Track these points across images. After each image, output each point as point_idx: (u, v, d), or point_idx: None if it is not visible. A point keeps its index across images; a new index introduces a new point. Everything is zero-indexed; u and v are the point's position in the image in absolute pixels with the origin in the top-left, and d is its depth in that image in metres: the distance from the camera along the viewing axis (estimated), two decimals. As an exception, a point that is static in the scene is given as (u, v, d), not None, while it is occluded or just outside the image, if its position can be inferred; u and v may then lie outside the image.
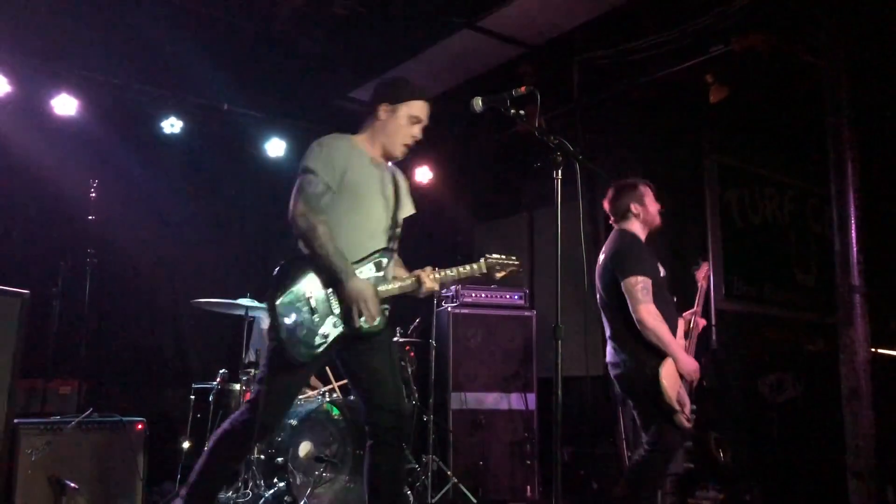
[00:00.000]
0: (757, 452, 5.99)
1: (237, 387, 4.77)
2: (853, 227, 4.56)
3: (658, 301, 3.74)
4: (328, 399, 4.69)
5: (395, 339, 5.14)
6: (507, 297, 5.88)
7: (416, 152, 7.58)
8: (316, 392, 4.81)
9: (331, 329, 2.95)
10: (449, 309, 5.66)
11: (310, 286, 2.96)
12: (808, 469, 5.46)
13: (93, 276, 5.08)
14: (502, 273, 3.30)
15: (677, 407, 3.65)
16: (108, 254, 5.46)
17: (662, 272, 3.93)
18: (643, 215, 3.95)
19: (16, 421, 3.79)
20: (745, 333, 6.89)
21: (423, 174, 7.11)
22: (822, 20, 4.77)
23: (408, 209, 3.35)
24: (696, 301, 4.14)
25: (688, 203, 7.03)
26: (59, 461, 3.89)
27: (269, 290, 2.95)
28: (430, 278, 3.11)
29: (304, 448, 4.47)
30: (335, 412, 4.59)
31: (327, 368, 5.01)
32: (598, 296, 3.94)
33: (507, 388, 5.67)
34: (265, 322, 5.29)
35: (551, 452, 2.75)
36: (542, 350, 5.76)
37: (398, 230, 3.24)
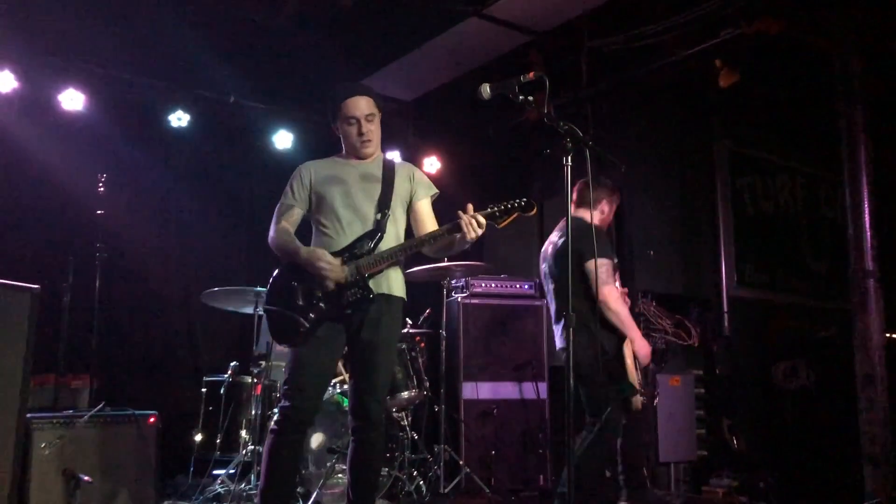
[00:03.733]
0: (770, 439, 5.96)
1: (248, 379, 4.78)
2: (866, 211, 4.52)
3: None
4: (339, 390, 4.69)
5: (406, 329, 5.13)
6: (518, 286, 5.86)
7: (424, 142, 7.57)
8: (327, 384, 4.81)
9: (314, 309, 3.16)
10: (459, 299, 5.65)
11: (293, 276, 3.22)
12: (822, 456, 5.43)
13: (102, 270, 5.08)
14: (506, 219, 3.22)
15: (638, 386, 3.81)
16: (118, 248, 5.46)
17: (615, 260, 4.07)
18: (604, 218, 4.16)
19: (29, 416, 3.80)
20: (757, 321, 6.86)
21: (432, 164, 7.08)
22: (834, 3, 4.71)
23: (419, 192, 3.45)
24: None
25: (698, 190, 6.99)
26: (72, 455, 3.90)
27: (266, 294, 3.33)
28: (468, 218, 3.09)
29: (317, 439, 4.48)
30: (346, 403, 4.59)
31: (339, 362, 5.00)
32: (548, 280, 4.06)
33: (518, 377, 5.65)
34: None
35: (563, 441, 2.73)
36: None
37: (387, 213, 3.30)
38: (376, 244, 3.25)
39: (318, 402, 3.28)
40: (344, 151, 3.47)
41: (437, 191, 3.53)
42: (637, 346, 3.88)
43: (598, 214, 4.09)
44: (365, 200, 3.32)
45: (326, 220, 3.31)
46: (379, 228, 3.28)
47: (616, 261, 4.05)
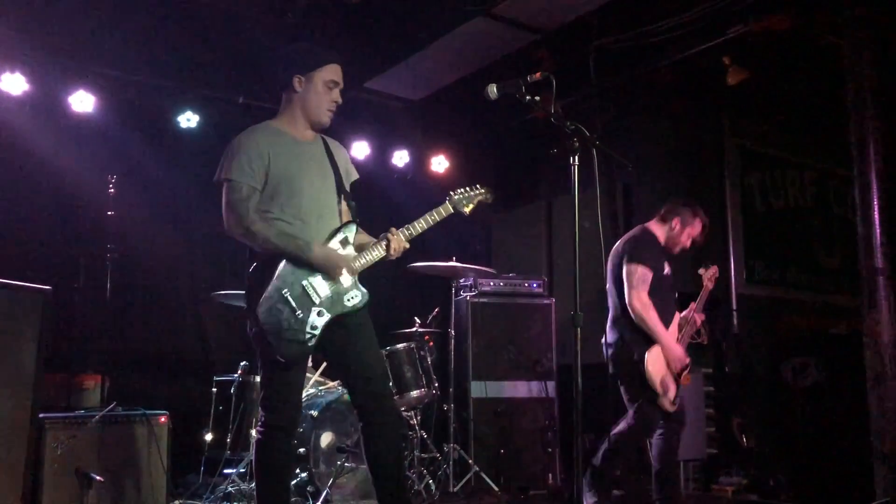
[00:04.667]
0: (780, 437, 5.94)
1: (258, 379, 4.79)
2: (876, 208, 4.49)
3: (655, 295, 4.00)
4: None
5: (415, 329, 5.14)
6: (526, 285, 5.86)
7: (432, 141, 7.58)
8: (336, 383, 4.82)
9: (316, 318, 2.97)
10: (467, 298, 5.65)
11: (283, 284, 2.95)
12: (832, 454, 5.41)
13: (113, 270, 5.11)
14: (470, 206, 3.31)
15: (660, 391, 3.91)
16: (128, 248, 5.50)
17: (667, 271, 4.17)
18: (672, 234, 4.23)
19: (41, 415, 3.83)
20: (767, 318, 6.83)
21: (440, 163, 7.09)
22: (843, -2, 4.69)
23: (351, 175, 3.31)
24: (698, 298, 4.29)
25: (708, 187, 6.96)
26: (84, 454, 3.93)
27: (247, 302, 3.01)
28: (397, 237, 3.09)
29: (326, 438, 4.49)
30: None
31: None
32: (607, 280, 4.21)
33: (527, 376, 5.66)
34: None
35: (572, 440, 2.74)
36: (562, 338, 5.74)
37: (350, 200, 3.20)
38: (355, 237, 3.12)
39: (301, 411, 3.17)
40: (286, 117, 3.17)
41: (358, 176, 3.36)
42: (666, 351, 3.97)
43: (666, 229, 4.23)
44: (324, 184, 3.13)
45: (286, 207, 3.01)
46: (353, 219, 3.14)
47: (668, 273, 4.16)
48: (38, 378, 3.70)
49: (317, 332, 2.96)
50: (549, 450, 5.55)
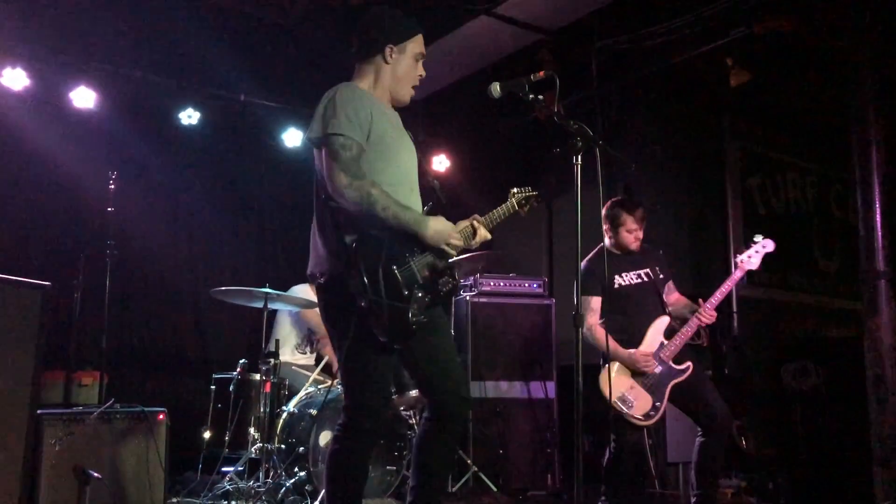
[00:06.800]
0: (780, 440, 5.93)
1: (257, 377, 4.79)
2: (878, 211, 4.49)
3: (615, 310, 4.01)
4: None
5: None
6: (526, 285, 5.85)
7: (433, 140, 7.52)
8: (336, 381, 4.81)
9: (419, 299, 2.69)
10: (467, 298, 5.64)
11: (392, 260, 2.66)
12: (832, 457, 5.40)
13: (113, 267, 5.10)
14: (527, 207, 3.07)
15: (619, 407, 3.87)
16: (128, 245, 5.50)
17: (627, 281, 4.09)
18: (614, 240, 4.13)
19: (39, 412, 3.82)
20: (767, 320, 6.82)
21: (441, 162, 7.08)
22: (846, 1, 4.68)
23: None
24: (717, 292, 4.07)
25: (709, 189, 6.96)
26: (82, 451, 3.92)
27: (353, 276, 2.61)
28: (482, 225, 2.90)
29: (325, 437, 4.48)
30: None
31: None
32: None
33: (526, 376, 5.65)
34: (282, 314, 5.32)
35: (572, 441, 2.72)
36: (562, 338, 5.73)
37: (432, 179, 3.05)
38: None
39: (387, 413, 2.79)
40: (370, 85, 2.89)
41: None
42: (624, 361, 3.92)
43: (607, 238, 4.13)
44: (411, 158, 2.89)
45: (383, 176, 2.71)
46: (441, 198, 2.92)
47: (630, 283, 4.09)
48: (37, 374, 3.69)
49: (421, 316, 2.67)
50: (549, 451, 5.53)
